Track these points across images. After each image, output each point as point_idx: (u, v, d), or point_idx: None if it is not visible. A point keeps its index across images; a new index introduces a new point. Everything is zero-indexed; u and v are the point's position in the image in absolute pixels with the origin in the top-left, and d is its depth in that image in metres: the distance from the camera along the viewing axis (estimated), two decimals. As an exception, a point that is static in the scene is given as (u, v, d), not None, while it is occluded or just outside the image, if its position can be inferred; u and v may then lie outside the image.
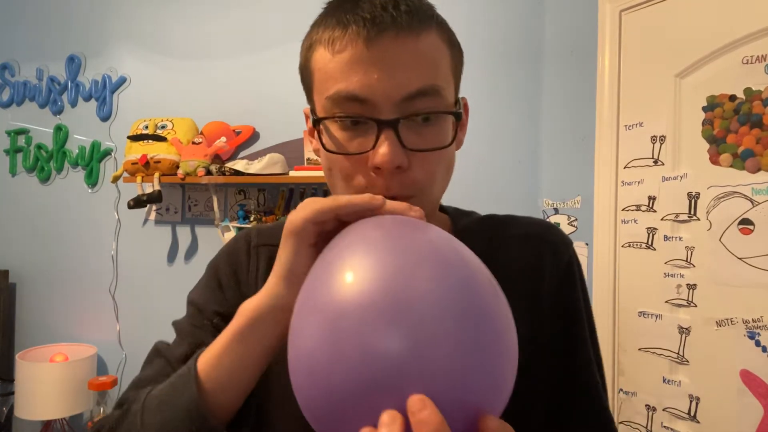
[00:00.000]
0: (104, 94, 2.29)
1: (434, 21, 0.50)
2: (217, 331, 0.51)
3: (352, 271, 0.36)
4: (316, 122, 0.51)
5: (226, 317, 0.51)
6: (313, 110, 0.53)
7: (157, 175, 2.00)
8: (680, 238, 1.37)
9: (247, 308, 0.46)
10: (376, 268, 0.35)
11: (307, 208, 0.43)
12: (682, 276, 1.36)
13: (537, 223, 0.65)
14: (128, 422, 0.48)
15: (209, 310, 0.61)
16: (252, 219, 1.98)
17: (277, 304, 0.45)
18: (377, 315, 0.33)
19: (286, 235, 0.44)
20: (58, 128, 2.35)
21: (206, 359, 0.47)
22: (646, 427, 1.45)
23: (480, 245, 0.53)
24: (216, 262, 0.67)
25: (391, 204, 0.43)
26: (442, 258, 0.37)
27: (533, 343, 0.55)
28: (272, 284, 0.46)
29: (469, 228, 0.62)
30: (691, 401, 1.33)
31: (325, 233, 0.44)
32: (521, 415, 0.45)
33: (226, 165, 1.94)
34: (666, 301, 1.40)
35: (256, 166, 1.88)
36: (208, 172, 1.96)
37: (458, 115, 0.51)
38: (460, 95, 0.57)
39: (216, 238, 2.14)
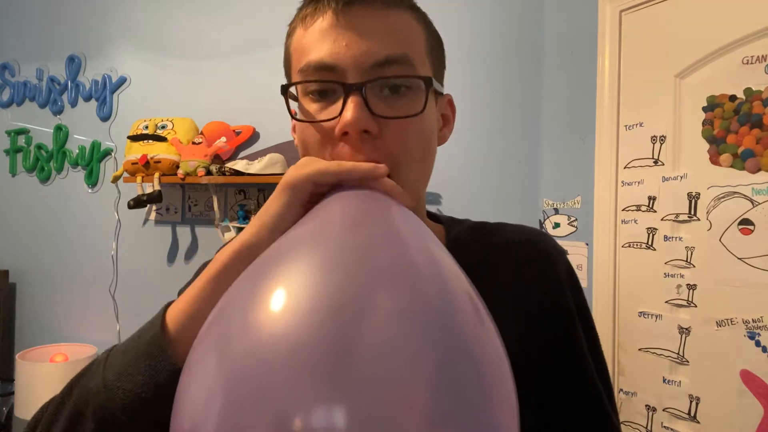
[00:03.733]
0: (104, 94, 2.29)
1: (407, 3, 0.51)
2: None
3: (282, 294, 0.26)
4: (284, 91, 0.50)
5: None
6: (289, 67, 0.54)
7: (157, 175, 2.00)
8: (680, 239, 1.37)
9: (224, 254, 0.44)
10: (317, 294, 0.25)
11: (309, 166, 0.43)
12: (682, 276, 1.36)
13: (530, 231, 0.63)
14: (92, 370, 0.45)
15: None
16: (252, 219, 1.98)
17: (257, 250, 0.40)
18: (305, 372, 0.23)
19: (282, 188, 0.44)
20: (58, 128, 2.35)
21: (177, 305, 0.45)
22: (646, 427, 1.45)
23: (473, 253, 0.55)
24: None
25: (388, 182, 0.42)
26: (411, 278, 0.28)
27: (523, 355, 0.52)
28: (254, 230, 0.44)
29: (462, 237, 0.61)
30: (691, 401, 1.33)
31: (318, 195, 0.43)
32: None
33: (226, 165, 1.94)
34: (666, 301, 1.40)
35: (256, 166, 1.88)
36: (208, 172, 1.96)
37: (428, 80, 0.49)
38: (454, 92, 0.57)
39: (216, 238, 2.14)
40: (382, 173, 0.42)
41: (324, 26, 0.48)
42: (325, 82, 0.48)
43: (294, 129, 0.55)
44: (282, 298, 0.26)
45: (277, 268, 0.28)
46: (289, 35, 0.53)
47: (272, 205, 0.44)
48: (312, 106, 0.49)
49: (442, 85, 0.56)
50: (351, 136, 0.47)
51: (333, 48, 0.47)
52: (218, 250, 0.49)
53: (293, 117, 0.51)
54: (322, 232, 0.32)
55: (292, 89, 0.52)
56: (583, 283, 1.68)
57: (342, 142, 0.48)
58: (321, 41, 0.48)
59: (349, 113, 0.46)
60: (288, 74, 0.54)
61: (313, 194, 0.43)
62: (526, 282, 0.57)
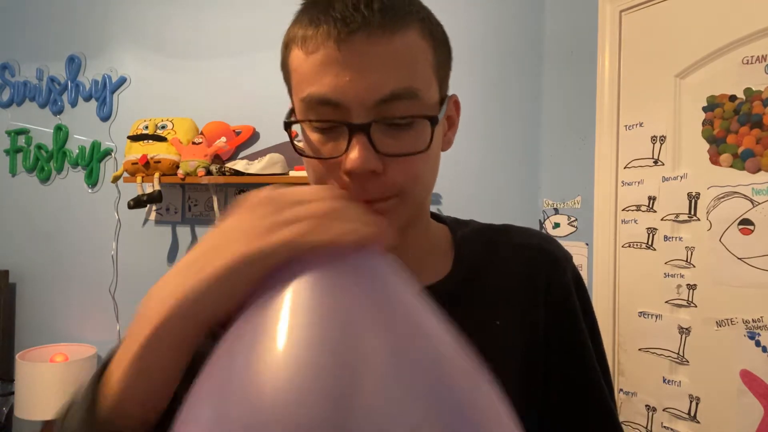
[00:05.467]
0: (104, 94, 2.29)
1: (414, 17, 0.47)
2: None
3: (270, 382, 0.26)
4: (287, 126, 0.50)
5: None
6: (292, 110, 0.52)
7: (157, 175, 2.00)
8: (680, 239, 1.37)
9: (156, 313, 0.39)
10: (311, 379, 0.26)
11: (272, 235, 0.36)
12: (682, 276, 1.36)
13: (537, 234, 0.64)
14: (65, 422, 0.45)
15: None
16: (252, 219, 1.98)
17: (202, 308, 0.37)
18: None
19: (246, 257, 0.36)
20: (58, 128, 2.35)
21: (111, 380, 0.41)
22: (646, 428, 1.45)
23: (479, 255, 0.58)
24: None
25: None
26: (402, 360, 0.27)
27: (528, 354, 0.56)
28: (194, 283, 0.37)
29: (468, 238, 0.61)
30: (691, 401, 1.33)
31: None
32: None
33: (226, 165, 1.94)
34: (666, 301, 1.40)
35: (256, 166, 1.88)
36: (208, 172, 1.96)
37: (434, 119, 0.47)
38: (453, 92, 0.56)
39: (216, 238, 2.14)
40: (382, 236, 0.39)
41: (325, 58, 0.45)
42: (329, 122, 0.46)
43: (293, 135, 0.53)
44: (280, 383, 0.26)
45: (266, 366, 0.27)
46: (287, 47, 0.50)
47: (221, 260, 0.37)
48: (314, 137, 0.48)
49: (447, 88, 0.54)
50: (357, 175, 0.46)
51: (335, 82, 0.45)
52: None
53: (297, 151, 0.50)
54: (306, 316, 0.30)
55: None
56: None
57: (347, 178, 0.47)
58: (322, 74, 0.45)
59: (354, 156, 0.45)
60: (288, 86, 0.53)
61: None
62: (533, 285, 0.58)
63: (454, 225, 0.63)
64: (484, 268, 0.58)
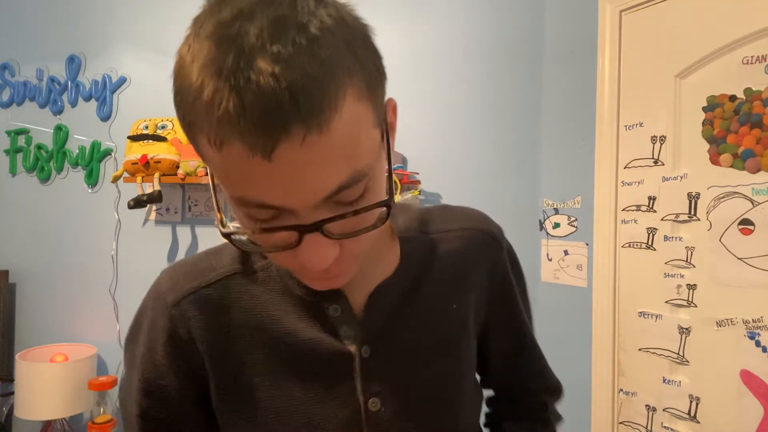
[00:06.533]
0: (104, 94, 2.29)
1: (346, 83, 0.37)
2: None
3: None
4: (227, 236, 0.43)
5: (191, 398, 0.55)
6: (202, 158, 0.41)
7: (157, 175, 2.00)
8: (680, 239, 1.37)
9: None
10: None
11: None
12: (682, 276, 1.36)
13: (472, 214, 0.65)
14: None
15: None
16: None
17: None
18: None
19: None
20: (58, 128, 2.35)
21: None
22: (646, 427, 1.45)
23: (427, 248, 0.60)
24: (145, 344, 0.56)
25: None
26: None
27: (481, 326, 0.64)
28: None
29: (413, 230, 0.61)
30: (691, 401, 1.33)
31: None
32: (456, 387, 0.58)
33: (226, 165, 1.94)
34: (666, 301, 1.40)
35: (256, 166, 1.88)
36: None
37: (387, 202, 0.42)
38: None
39: (216, 238, 2.14)
40: None
41: (244, 160, 0.36)
42: (278, 228, 0.40)
43: (211, 180, 0.46)
44: None
45: None
46: (191, 123, 0.38)
47: None
48: (252, 224, 0.41)
49: (384, 96, 0.44)
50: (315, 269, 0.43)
51: (269, 190, 0.37)
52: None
53: (224, 234, 0.42)
54: None
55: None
56: (583, 283, 1.69)
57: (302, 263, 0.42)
58: (247, 178, 0.37)
59: (310, 257, 0.41)
60: (192, 142, 0.41)
61: None
62: (480, 264, 0.62)
63: (402, 239, 0.60)
64: (432, 260, 0.59)
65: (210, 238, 2.17)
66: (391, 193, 0.43)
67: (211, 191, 0.44)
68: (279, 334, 0.53)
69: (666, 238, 1.41)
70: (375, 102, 0.41)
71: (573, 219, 1.74)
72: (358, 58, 0.38)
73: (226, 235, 0.42)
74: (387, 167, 0.44)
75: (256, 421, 0.53)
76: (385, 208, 0.42)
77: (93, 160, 2.31)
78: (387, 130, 0.45)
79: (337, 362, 0.53)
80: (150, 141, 2.04)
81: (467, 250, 0.61)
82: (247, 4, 0.36)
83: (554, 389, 0.73)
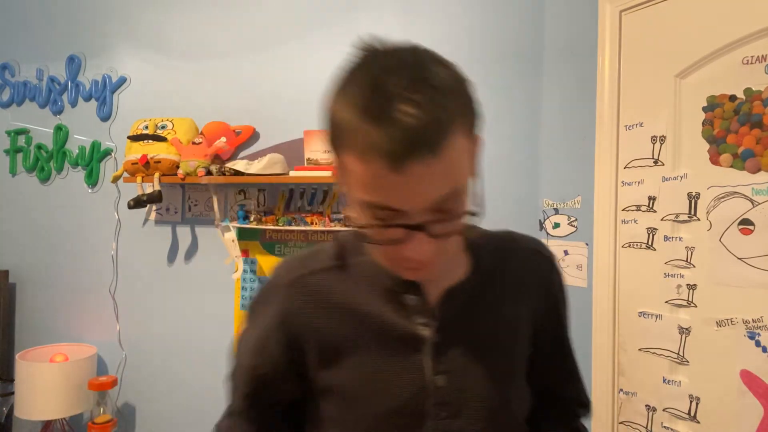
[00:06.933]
0: (104, 94, 2.29)
1: (458, 122, 0.52)
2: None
3: None
4: (353, 229, 0.60)
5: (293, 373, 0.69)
6: (341, 172, 0.57)
7: (157, 175, 2.00)
8: (680, 239, 1.37)
9: None
10: None
11: None
12: (682, 276, 1.36)
13: (532, 239, 0.78)
14: None
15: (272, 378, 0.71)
16: (252, 219, 1.98)
17: None
18: None
19: None
20: (58, 128, 2.35)
21: None
22: (646, 427, 1.45)
23: (491, 260, 0.72)
24: (263, 311, 0.72)
25: None
26: None
27: (525, 330, 0.73)
28: None
29: (480, 244, 0.73)
30: (691, 401, 1.33)
31: None
32: (507, 377, 0.69)
33: (226, 165, 1.94)
34: (666, 301, 1.40)
35: (256, 167, 1.88)
36: (208, 173, 1.96)
37: (475, 213, 0.57)
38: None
39: (216, 238, 2.14)
40: None
41: (382, 176, 0.50)
42: (392, 225, 0.54)
43: (335, 174, 0.60)
44: None
45: None
46: (342, 144, 0.54)
47: None
48: (374, 217, 0.55)
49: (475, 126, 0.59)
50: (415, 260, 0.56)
51: (391, 195, 0.52)
52: None
53: (362, 236, 0.61)
54: None
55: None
56: (583, 283, 1.68)
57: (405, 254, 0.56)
58: (382, 188, 0.51)
59: (415, 252, 0.55)
60: (340, 170, 0.57)
61: None
62: (537, 283, 0.74)
63: (464, 229, 0.70)
64: (496, 271, 0.72)
65: (210, 237, 2.17)
66: (477, 204, 0.57)
67: (345, 197, 0.62)
68: (365, 316, 0.66)
69: (666, 238, 1.41)
70: (471, 136, 0.56)
71: (573, 219, 1.74)
72: (465, 105, 0.55)
73: (354, 228, 0.59)
74: (476, 186, 0.59)
75: (341, 384, 0.66)
76: (470, 216, 0.56)
77: (93, 160, 2.31)
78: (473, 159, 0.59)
79: (412, 343, 0.65)
80: (150, 141, 2.04)
81: (526, 268, 0.74)
82: (389, 63, 0.52)
83: (585, 403, 0.83)
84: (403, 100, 0.48)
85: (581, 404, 0.83)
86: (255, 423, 0.73)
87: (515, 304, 0.71)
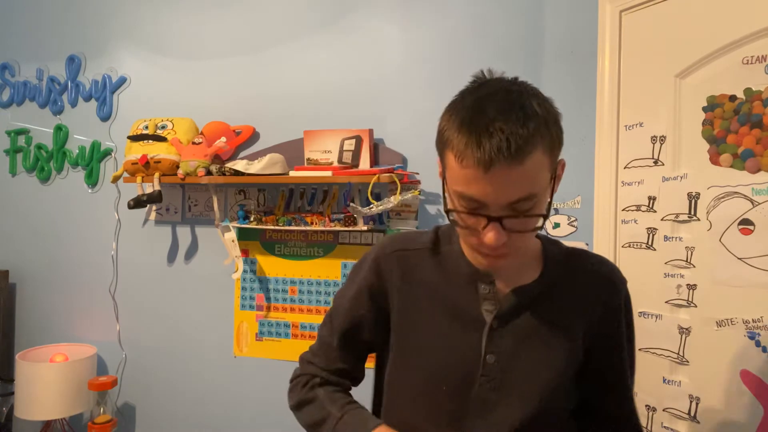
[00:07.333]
0: (104, 94, 2.29)
1: (539, 140, 0.66)
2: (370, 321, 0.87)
3: None
4: (448, 212, 0.73)
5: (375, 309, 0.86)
6: (444, 169, 0.73)
7: (157, 175, 2.00)
8: (680, 239, 1.37)
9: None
10: None
11: None
12: (682, 276, 1.36)
13: (603, 262, 0.88)
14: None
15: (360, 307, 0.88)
16: (252, 219, 1.98)
17: None
18: None
19: None
20: (58, 128, 2.35)
21: None
22: (646, 427, 1.45)
23: (560, 272, 0.83)
24: (362, 269, 0.90)
25: None
26: None
27: (581, 346, 0.82)
28: None
29: (555, 257, 0.84)
30: (691, 401, 1.34)
31: None
32: (553, 376, 0.79)
33: (226, 165, 1.94)
34: (666, 301, 1.40)
35: (256, 167, 1.88)
36: (208, 173, 1.96)
37: (545, 215, 0.70)
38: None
39: (216, 238, 2.14)
40: None
41: (475, 176, 0.65)
42: (475, 213, 0.69)
43: (440, 171, 0.76)
44: None
45: None
46: (447, 142, 0.69)
47: None
48: (462, 212, 0.71)
49: (559, 155, 0.74)
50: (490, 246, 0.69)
51: (480, 191, 0.66)
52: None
53: (450, 218, 0.74)
54: None
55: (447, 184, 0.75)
56: (583, 283, 1.67)
57: (483, 240, 0.69)
58: (472, 183, 0.66)
59: (491, 237, 0.68)
60: (441, 155, 0.73)
61: None
62: (594, 300, 0.83)
63: (546, 242, 0.86)
64: (561, 282, 0.83)
65: (210, 237, 2.17)
66: (548, 211, 0.70)
67: (443, 188, 0.74)
68: (443, 295, 0.82)
69: (666, 238, 1.41)
70: (552, 156, 0.70)
71: (573, 219, 1.74)
72: (549, 130, 0.68)
73: (447, 212, 0.72)
74: (549, 199, 0.72)
75: (413, 341, 0.82)
76: (541, 220, 0.70)
77: (93, 160, 2.31)
78: (555, 177, 0.73)
79: (475, 324, 0.79)
80: (150, 141, 2.04)
81: (590, 284, 0.83)
82: (492, 90, 0.68)
83: (635, 427, 0.91)
84: (497, 120, 0.63)
85: (633, 425, 0.91)
86: (342, 354, 0.89)
87: (572, 315, 0.81)
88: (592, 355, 0.83)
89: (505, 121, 0.63)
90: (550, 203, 0.72)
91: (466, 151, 0.65)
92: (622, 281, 0.86)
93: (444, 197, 0.75)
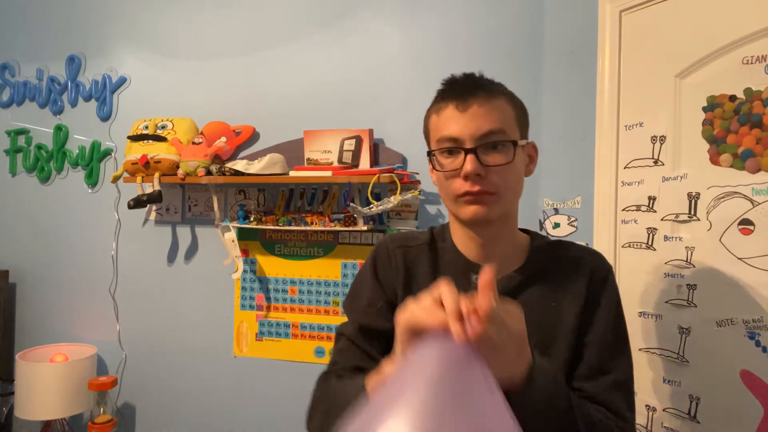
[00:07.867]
0: (104, 94, 2.29)
1: (503, 93, 0.85)
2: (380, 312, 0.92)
3: None
4: (429, 153, 0.88)
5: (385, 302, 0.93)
6: (429, 141, 0.90)
7: (157, 175, 2.00)
8: (680, 239, 1.37)
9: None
10: None
11: (409, 317, 0.67)
12: (682, 276, 1.36)
13: (585, 250, 0.95)
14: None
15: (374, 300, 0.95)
16: (252, 219, 1.98)
17: None
18: None
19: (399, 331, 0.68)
20: (58, 128, 2.35)
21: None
22: (646, 427, 1.45)
23: (544, 260, 0.90)
24: (368, 266, 0.98)
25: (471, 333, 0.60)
26: None
27: (572, 328, 0.86)
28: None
29: (540, 247, 0.92)
30: (691, 401, 1.33)
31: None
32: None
33: (226, 165, 1.94)
34: (666, 301, 1.40)
35: (256, 167, 1.88)
36: (208, 173, 1.96)
37: (515, 142, 0.83)
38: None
39: (216, 238, 2.14)
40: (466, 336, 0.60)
41: (450, 114, 0.83)
42: (453, 148, 0.83)
43: (432, 171, 0.90)
44: None
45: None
46: (428, 118, 0.90)
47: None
48: (444, 160, 0.85)
49: (527, 138, 0.90)
50: (469, 177, 0.81)
51: (455, 127, 0.82)
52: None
53: (435, 168, 0.87)
54: (410, 402, 0.49)
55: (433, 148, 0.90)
56: (583, 283, 1.67)
57: (464, 180, 0.81)
58: (448, 123, 0.83)
59: (468, 166, 0.80)
60: (427, 141, 0.91)
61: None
62: (578, 283, 0.88)
63: (535, 236, 0.95)
64: (546, 269, 0.90)
65: (210, 238, 2.17)
66: (515, 144, 0.84)
67: (431, 165, 0.89)
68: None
69: (666, 238, 1.41)
70: (519, 120, 0.87)
71: (573, 219, 1.74)
72: (513, 98, 0.88)
73: (429, 153, 0.89)
74: (522, 173, 0.89)
75: None
76: (515, 165, 0.84)
77: (93, 160, 2.31)
78: (529, 156, 0.92)
79: None
80: (150, 141, 2.04)
81: (573, 271, 0.89)
82: (462, 75, 0.89)
83: (619, 414, 0.87)
84: (468, 78, 0.85)
85: (617, 415, 0.86)
86: (360, 345, 0.92)
87: (557, 299, 0.88)
88: (579, 339, 0.87)
89: (475, 79, 0.85)
90: (524, 147, 0.87)
91: (443, 101, 0.83)
92: (606, 267, 0.91)
93: (431, 164, 0.87)
